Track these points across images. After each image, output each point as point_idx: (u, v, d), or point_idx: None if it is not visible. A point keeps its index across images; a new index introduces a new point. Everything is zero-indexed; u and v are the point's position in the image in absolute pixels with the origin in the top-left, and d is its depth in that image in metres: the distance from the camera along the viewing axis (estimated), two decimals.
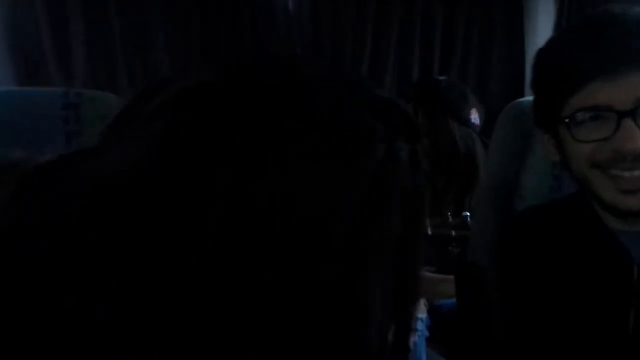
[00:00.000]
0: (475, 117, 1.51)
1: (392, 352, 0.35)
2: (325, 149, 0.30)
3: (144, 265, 0.26)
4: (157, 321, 0.26)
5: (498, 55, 2.19)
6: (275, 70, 0.33)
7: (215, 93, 0.31)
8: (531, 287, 0.79)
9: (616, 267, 0.73)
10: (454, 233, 1.35)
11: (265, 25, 2.04)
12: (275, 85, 0.32)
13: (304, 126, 0.30)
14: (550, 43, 0.76)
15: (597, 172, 0.70)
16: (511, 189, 0.94)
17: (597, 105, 0.67)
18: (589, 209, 0.77)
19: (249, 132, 0.29)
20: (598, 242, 0.76)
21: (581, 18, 0.76)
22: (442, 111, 1.46)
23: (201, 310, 0.27)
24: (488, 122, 1.48)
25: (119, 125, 0.34)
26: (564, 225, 0.80)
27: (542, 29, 2.09)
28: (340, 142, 0.30)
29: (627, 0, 0.73)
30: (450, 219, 1.39)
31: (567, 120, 0.70)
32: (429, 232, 1.31)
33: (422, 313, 1.13)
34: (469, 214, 1.38)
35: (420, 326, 1.11)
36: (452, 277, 1.12)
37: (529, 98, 0.82)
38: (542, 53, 0.76)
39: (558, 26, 2.08)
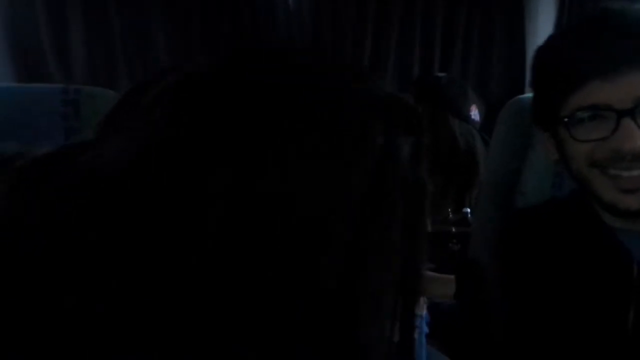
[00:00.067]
0: (475, 113, 1.51)
1: (397, 351, 0.35)
2: (325, 149, 0.30)
3: (144, 265, 0.26)
4: (157, 321, 0.26)
5: (498, 55, 2.20)
6: (275, 70, 0.33)
7: (214, 93, 0.31)
8: (531, 284, 0.79)
9: (616, 265, 0.73)
10: (454, 229, 1.35)
11: (265, 25, 2.05)
12: (275, 85, 0.32)
13: (304, 126, 0.30)
14: (549, 42, 0.76)
15: (595, 172, 0.69)
16: (512, 185, 0.94)
17: (596, 104, 0.67)
18: (589, 207, 0.77)
19: (249, 131, 0.29)
20: (598, 239, 0.75)
21: (580, 16, 0.76)
22: (441, 107, 1.46)
23: (201, 310, 0.27)
24: (488, 120, 1.48)
25: (115, 116, 0.34)
26: (565, 223, 0.80)
27: (542, 29, 2.09)
28: (340, 142, 0.31)
29: None
30: (450, 215, 1.39)
31: (565, 120, 0.70)
32: (429, 228, 1.29)
33: (421, 310, 1.13)
34: (469, 210, 1.38)
35: (420, 323, 1.11)
36: (451, 277, 1.12)
37: (530, 94, 0.82)
38: (540, 52, 0.76)
39: (558, 26, 2.08)
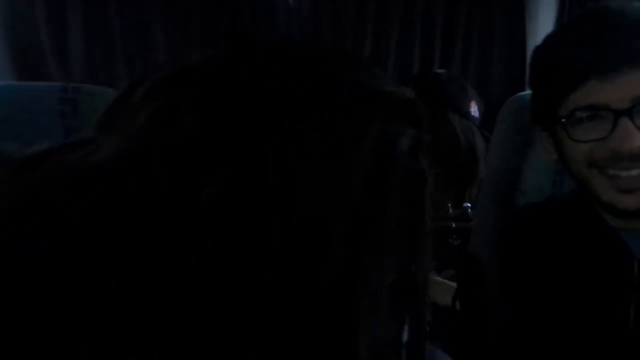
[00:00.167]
0: (474, 109, 1.50)
1: (408, 352, 0.35)
2: (325, 149, 0.30)
3: (144, 265, 0.26)
4: (157, 321, 0.26)
5: (498, 55, 2.19)
6: (275, 69, 0.33)
7: (213, 93, 0.31)
8: (532, 282, 0.79)
9: (616, 263, 0.73)
10: (454, 225, 1.34)
11: (265, 25, 2.05)
12: (275, 84, 0.32)
13: (304, 126, 0.30)
14: (547, 41, 0.76)
15: (594, 171, 0.69)
16: (512, 183, 0.94)
17: (594, 104, 0.67)
18: (589, 206, 0.77)
19: (249, 131, 0.29)
20: (598, 237, 0.75)
21: (578, 15, 0.76)
22: (441, 104, 1.46)
23: (201, 310, 0.27)
24: (488, 120, 1.48)
25: (113, 114, 0.34)
26: (565, 221, 0.80)
27: (542, 29, 2.09)
28: (340, 141, 0.31)
29: None
30: (450, 211, 1.38)
31: (563, 120, 0.69)
32: (430, 226, 1.28)
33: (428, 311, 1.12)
34: (469, 205, 1.37)
35: None
36: (453, 284, 1.11)
37: (530, 92, 0.82)
38: (538, 51, 0.76)
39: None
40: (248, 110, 0.30)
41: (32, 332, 0.26)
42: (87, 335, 0.26)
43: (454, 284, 1.09)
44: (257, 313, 0.27)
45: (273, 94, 0.31)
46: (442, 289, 1.19)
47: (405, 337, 0.35)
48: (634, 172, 0.67)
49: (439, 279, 1.27)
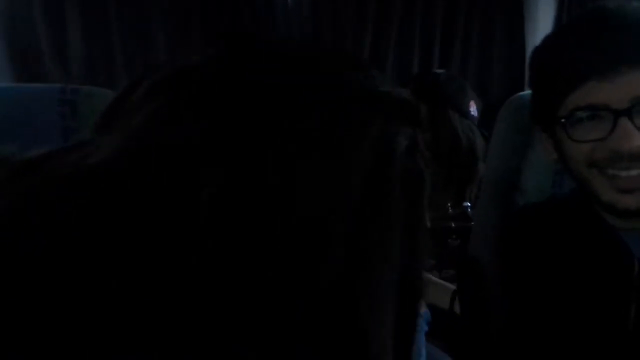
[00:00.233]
0: (473, 109, 1.50)
1: (397, 350, 0.34)
2: (326, 149, 0.30)
3: (144, 265, 0.26)
4: (157, 321, 0.26)
5: (498, 55, 2.20)
6: (275, 69, 0.33)
7: (213, 93, 0.31)
8: (532, 282, 0.79)
9: (617, 262, 0.73)
10: (453, 224, 1.34)
11: (265, 25, 2.05)
12: (275, 84, 0.32)
13: (304, 126, 0.30)
14: (546, 41, 0.76)
15: (594, 172, 0.70)
16: (512, 182, 0.94)
17: (593, 104, 0.67)
18: (589, 205, 0.77)
19: (249, 131, 0.29)
20: (598, 237, 0.75)
21: (577, 15, 0.76)
22: (441, 104, 1.46)
23: (201, 310, 0.27)
24: (488, 120, 1.48)
25: (108, 115, 0.34)
26: (565, 221, 0.80)
27: (542, 29, 2.09)
28: (340, 141, 0.31)
29: None
30: (450, 210, 1.38)
31: (563, 120, 0.69)
32: (428, 225, 1.28)
33: (421, 308, 1.12)
34: (469, 204, 1.37)
35: (420, 321, 1.10)
36: (451, 286, 1.11)
37: (530, 92, 0.81)
38: (538, 51, 0.76)
39: (558, 26, 2.08)
40: (248, 110, 0.30)
41: (32, 332, 0.26)
42: (87, 335, 0.26)
43: (452, 286, 1.09)
44: (257, 313, 0.27)
45: (273, 93, 0.31)
46: (440, 290, 1.19)
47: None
48: (633, 172, 0.67)
49: (436, 279, 1.27)
